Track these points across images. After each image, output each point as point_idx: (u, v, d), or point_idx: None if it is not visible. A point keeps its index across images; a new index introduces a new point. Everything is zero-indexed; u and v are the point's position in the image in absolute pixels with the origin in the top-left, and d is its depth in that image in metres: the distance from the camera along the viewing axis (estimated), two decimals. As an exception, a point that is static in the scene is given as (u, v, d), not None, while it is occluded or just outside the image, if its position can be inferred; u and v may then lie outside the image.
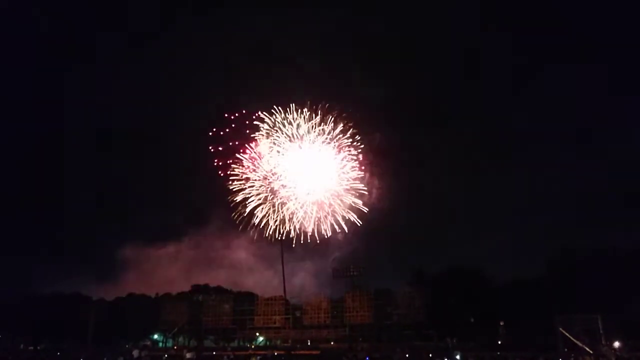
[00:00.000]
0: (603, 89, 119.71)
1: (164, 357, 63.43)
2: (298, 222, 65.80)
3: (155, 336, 79.95)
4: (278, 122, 66.94)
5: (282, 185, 65.51)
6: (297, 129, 64.75)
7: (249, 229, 68.74)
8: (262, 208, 68.01)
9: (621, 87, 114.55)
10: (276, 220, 67.60)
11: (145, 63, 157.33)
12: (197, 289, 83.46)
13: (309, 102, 65.81)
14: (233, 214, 68.36)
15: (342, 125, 65.12)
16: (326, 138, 65.01)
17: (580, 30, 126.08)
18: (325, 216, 65.92)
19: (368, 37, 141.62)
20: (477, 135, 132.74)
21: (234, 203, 68.17)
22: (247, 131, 68.19)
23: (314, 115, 64.54)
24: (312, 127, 64.42)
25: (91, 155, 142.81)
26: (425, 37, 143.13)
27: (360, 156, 65.87)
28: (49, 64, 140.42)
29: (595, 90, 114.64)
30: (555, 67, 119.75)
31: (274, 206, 67.17)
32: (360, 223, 64.70)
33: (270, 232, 68.23)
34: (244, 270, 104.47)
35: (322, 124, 63.82)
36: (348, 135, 65.66)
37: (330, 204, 65.37)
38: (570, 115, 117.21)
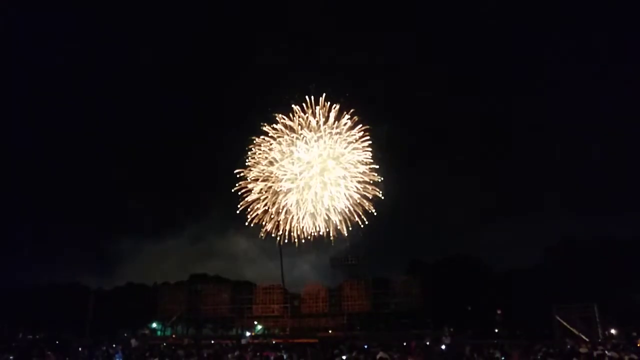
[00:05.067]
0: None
1: (162, 346, 63.50)
2: (299, 215, 64.39)
3: (154, 325, 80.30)
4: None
5: (285, 179, 63.45)
6: (303, 121, 62.21)
7: (249, 222, 66.96)
8: (264, 201, 66.24)
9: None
10: (277, 214, 66.26)
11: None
12: (196, 278, 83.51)
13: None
14: (239, 204, 65.42)
15: (349, 116, 61.94)
16: (332, 131, 62.26)
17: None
18: (328, 211, 64.36)
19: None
20: (476, 123, 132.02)
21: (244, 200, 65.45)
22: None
23: (320, 107, 61.76)
24: (318, 119, 61.95)
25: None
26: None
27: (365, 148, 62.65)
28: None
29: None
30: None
31: (275, 200, 65.42)
32: (364, 218, 62.84)
33: (270, 226, 66.73)
34: (243, 262, 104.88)
35: (330, 117, 60.96)
36: (355, 127, 62.55)
37: (334, 200, 63.34)
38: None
